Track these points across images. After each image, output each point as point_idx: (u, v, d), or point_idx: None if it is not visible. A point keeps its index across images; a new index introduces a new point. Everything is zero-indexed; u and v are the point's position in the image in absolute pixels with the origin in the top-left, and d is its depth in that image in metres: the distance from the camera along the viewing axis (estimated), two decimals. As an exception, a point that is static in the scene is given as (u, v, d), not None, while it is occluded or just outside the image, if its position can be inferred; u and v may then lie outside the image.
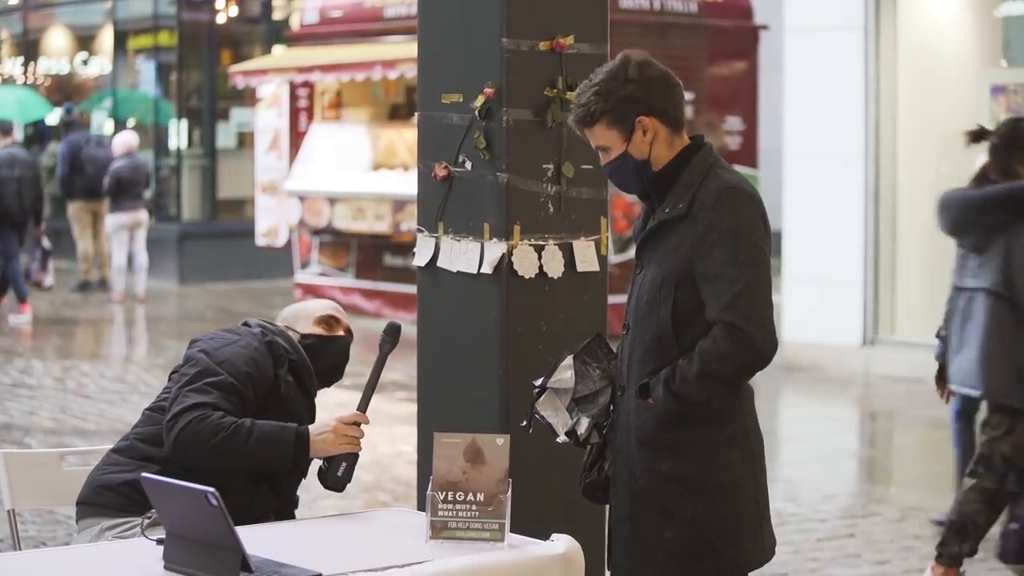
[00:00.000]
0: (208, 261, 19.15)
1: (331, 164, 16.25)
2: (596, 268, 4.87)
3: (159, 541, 3.75)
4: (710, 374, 3.83)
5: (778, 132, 14.01)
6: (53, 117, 22.12)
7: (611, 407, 4.08)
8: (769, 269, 3.91)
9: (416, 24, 4.99)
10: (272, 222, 17.47)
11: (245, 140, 20.21)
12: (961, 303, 6.79)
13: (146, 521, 4.21)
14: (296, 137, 17.03)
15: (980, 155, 8.32)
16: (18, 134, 21.43)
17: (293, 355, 4.62)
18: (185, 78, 20.81)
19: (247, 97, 19.30)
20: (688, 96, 14.43)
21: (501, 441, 3.95)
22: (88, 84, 23.11)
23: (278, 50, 19.33)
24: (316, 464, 4.53)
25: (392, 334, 4.56)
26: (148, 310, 16.63)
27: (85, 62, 23.10)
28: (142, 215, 17.04)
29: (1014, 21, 13.46)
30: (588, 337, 4.17)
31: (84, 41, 23.10)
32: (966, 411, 7.95)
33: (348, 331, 4.81)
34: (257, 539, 3.76)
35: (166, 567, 3.65)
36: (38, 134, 23.15)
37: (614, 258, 13.71)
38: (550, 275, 4.76)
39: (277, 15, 21.08)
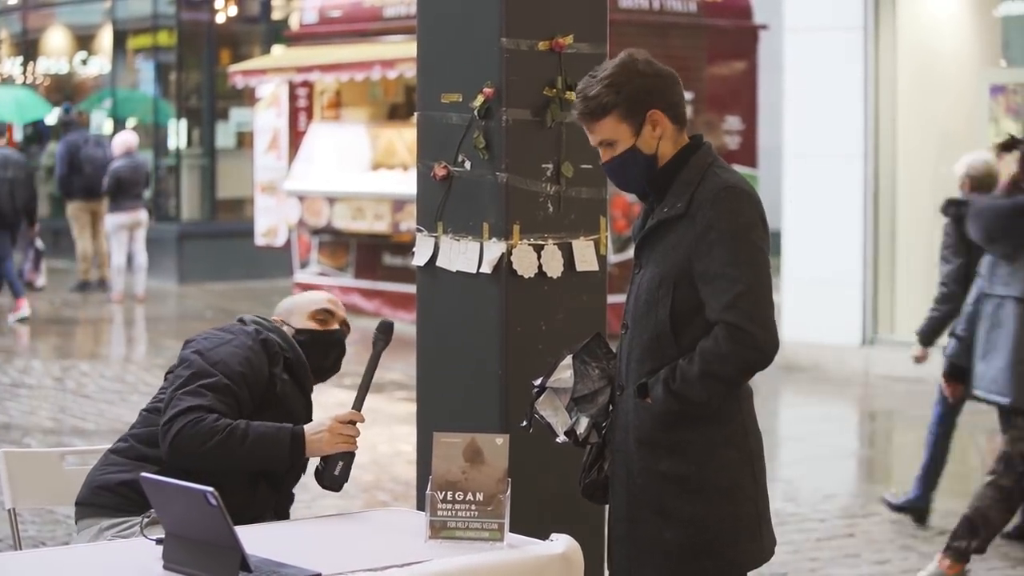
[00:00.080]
0: (207, 261, 19.14)
1: (330, 164, 16.25)
2: (595, 268, 4.86)
3: (158, 541, 3.74)
4: (712, 374, 3.83)
5: (777, 132, 14.01)
6: (52, 117, 22.12)
7: (610, 407, 4.08)
8: (769, 268, 3.91)
9: (415, 24, 4.99)
10: (271, 222, 17.47)
11: (244, 140, 20.20)
12: (989, 309, 6.83)
13: (145, 520, 4.21)
14: (295, 137, 17.02)
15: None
16: (17, 134, 21.47)
17: (288, 352, 4.61)
18: (184, 78, 20.80)
19: (246, 97, 19.30)
20: (688, 96, 14.35)
21: (500, 441, 3.95)
22: (87, 84, 23.11)
23: (277, 50, 19.32)
24: (313, 463, 4.53)
25: (385, 332, 4.55)
26: (147, 310, 16.62)
27: (84, 62, 23.09)
28: (141, 215, 17.04)
29: (1013, 21, 13.46)
30: (587, 337, 4.17)
31: (83, 41, 23.10)
32: (950, 414, 7.99)
33: (344, 323, 4.78)
34: (256, 539, 3.76)
35: (165, 567, 3.65)
36: (37, 134, 23.15)
37: (613, 258, 13.71)
38: (549, 275, 4.76)
39: (276, 15, 21.07)
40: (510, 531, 3.92)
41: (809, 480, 9.06)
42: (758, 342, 3.81)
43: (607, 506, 4.17)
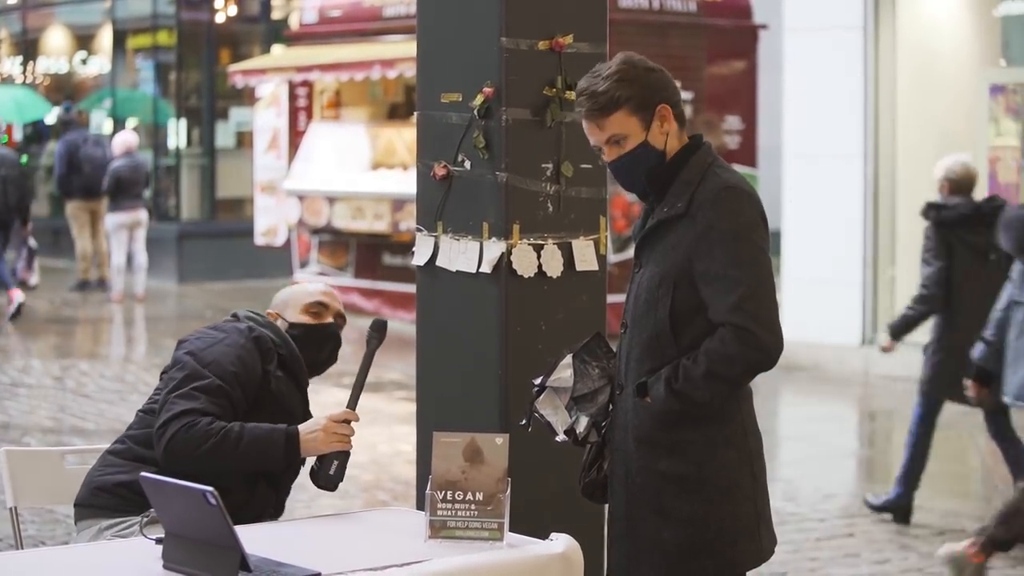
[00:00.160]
0: (207, 260, 19.14)
1: (330, 163, 16.25)
2: (595, 267, 4.86)
3: (158, 540, 3.74)
4: (716, 375, 3.83)
5: (777, 131, 14.01)
6: (52, 116, 22.11)
7: (610, 406, 4.08)
8: (771, 269, 3.91)
9: (415, 23, 4.99)
10: (271, 221, 17.47)
11: (244, 139, 20.20)
12: (1020, 316, 6.86)
13: (144, 520, 4.21)
14: (295, 136, 17.02)
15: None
16: (17, 134, 21.46)
17: (282, 348, 4.59)
18: (184, 77, 20.80)
19: (246, 96, 19.30)
20: (687, 95, 14.46)
21: (500, 440, 3.95)
22: (87, 83, 23.11)
23: (277, 49, 19.32)
24: (310, 462, 4.52)
25: (379, 330, 4.54)
26: (147, 309, 16.62)
27: (84, 61, 23.09)
28: (141, 214, 17.04)
29: (1013, 21, 13.46)
30: (587, 336, 4.17)
31: (83, 40, 23.10)
32: (929, 415, 8.02)
33: (339, 315, 4.76)
34: (256, 538, 3.76)
35: (165, 566, 3.64)
36: (37, 133, 23.15)
37: (613, 257, 13.71)
38: (549, 274, 4.76)
39: (276, 14, 21.07)
40: (510, 530, 3.92)
41: (809, 480, 9.06)
42: (764, 344, 3.81)
43: (606, 505, 4.17)
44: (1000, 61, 13.42)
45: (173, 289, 18.59)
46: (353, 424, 4.43)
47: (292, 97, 17.07)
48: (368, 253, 16.07)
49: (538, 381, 4.13)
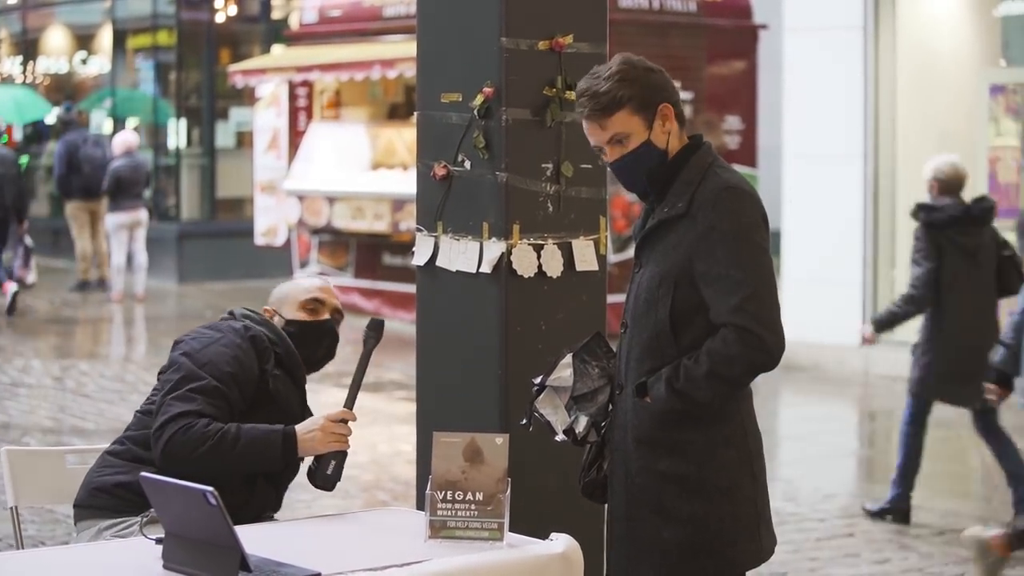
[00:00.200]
0: (207, 260, 19.14)
1: (330, 163, 16.25)
2: (595, 267, 4.86)
3: (158, 540, 3.74)
4: (718, 375, 3.83)
5: (777, 131, 14.01)
6: (52, 116, 22.11)
7: (610, 406, 4.08)
8: (772, 269, 3.91)
9: (415, 23, 4.99)
10: (271, 221, 17.47)
11: (244, 139, 20.20)
12: None
13: (144, 520, 4.21)
14: (295, 136, 17.02)
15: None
16: (17, 134, 21.46)
17: (278, 347, 4.57)
18: (184, 77, 20.80)
19: (246, 96, 19.30)
20: (687, 95, 14.47)
21: (500, 440, 3.95)
22: (87, 83, 23.11)
23: (277, 49, 19.32)
24: (307, 461, 4.51)
25: (376, 329, 4.53)
26: (147, 309, 16.62)
27: (84, 61, 23.10)
28: (142, 214, 17.04)
29: (1013, 21, 13.46)
30: (587, 336, 4.17)
31: (83, 40, 23.10)
32: (919, 415, 8.03)
33: (336, 311, 4.73)
34: (256, 538, 3.76)
35: (165, 566, 3.64)
36: (37, 133, 23.15)
37: (613, 257, 13.71)
38: (549, 274, 4.76)
39: (276, 14, 21.07)
40: (510, 530, 3.92)
41: (809, 480, 9.06)
42: (766, 344, 3.81)
43: (606, 505, 4.17)
44: (1000, 61, 13.42)
45: (173, 289, 18.60)
46: (351, 424, 4.43)
47: (292, 97, 17.07)
48: (368, 253, 16.07)
49: (538, 380, 4.13)
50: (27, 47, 23.89)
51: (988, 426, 7.95)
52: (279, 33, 19.99)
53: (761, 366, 3.84)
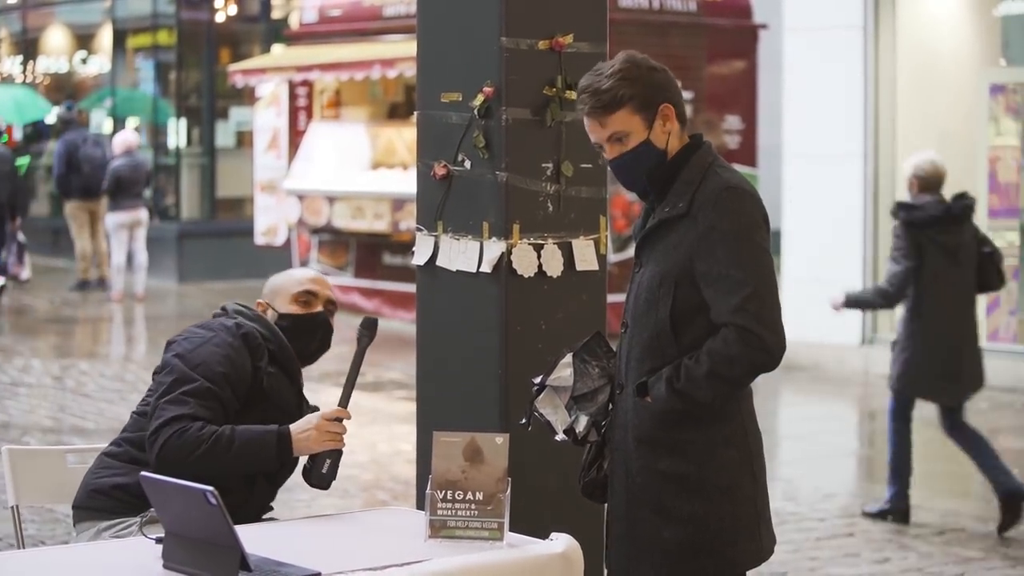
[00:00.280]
0: (207, 260, 19.14)
1: (330, 163, 16.25)
2: (595, 267, 4.86)
3: (158, 540, 3.74)
4: (719, 375, 3.83)
5: (777, 131, 14.01)
6: (52, 116, 22.11)
7: (610, 405, 4.07)
8: (773, 269, 3.91)
9: (415, 23, 4.99)
10: (271, 221, 17.47)
11: (244, 139, 20.20)
12: None
13: (143, 520, 4.20)
14: (295, 136, 17.02)
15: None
16: (17, 134, 21.46)
17: (271, 343, 4.55)
18: (184, 77, 20.80)
19: (246, 96, 19.30)
20: (687, 95, 14.46)
21: (500, 440, 3.95)
22: (87, 83, 23.11)
23: (277, 49, 19.32)
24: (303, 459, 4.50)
25: (369, 328, 4.51)
26: (147, 309, 16.62)
27: (84, 61, 23.10)
28: (142, 214, 17.04)
29: (1013, 20, 13.47)
30: (587, 335, 4.17)
31: (83, 40, 23.10)
32: (902, 411, 8.05)
33: (329, 302, 4.70)
34: (256, 538, 3.76)
35: (165, 566, 3.64)
36: (36, 133, 23.15)
37: (613, 257, 13.71)
38: (549, 274, 4.76)
39: (276, 14, 21.07)
40: (510, 530, 3.92)
41: (809, 479, 9.06)
42: (767, 344, 3.81)
43: (606, 505, 4.17)
44: (1000, 61, 13.42)
45: (173, 288, 18.60)
46: (346, 422, 4.42)
47: (292, 97, 17.07)
48: (368, 253, 16.07)
49: (538, 380, 4.13)
50: (27, 47, 23.89)
51: (953, 423, 8.02)
52: (279, 33, 19.99)
53: (762, 366, 3.84)
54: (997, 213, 12.34)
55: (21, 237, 16.77)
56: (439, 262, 4.85)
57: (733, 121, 15.41)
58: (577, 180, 4.81)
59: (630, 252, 5.36)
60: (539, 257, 4.74)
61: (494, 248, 4.70)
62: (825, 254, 13.21)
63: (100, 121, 21.83)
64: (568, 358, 4.10)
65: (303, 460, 4.47)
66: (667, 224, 3.93)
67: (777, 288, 3.92)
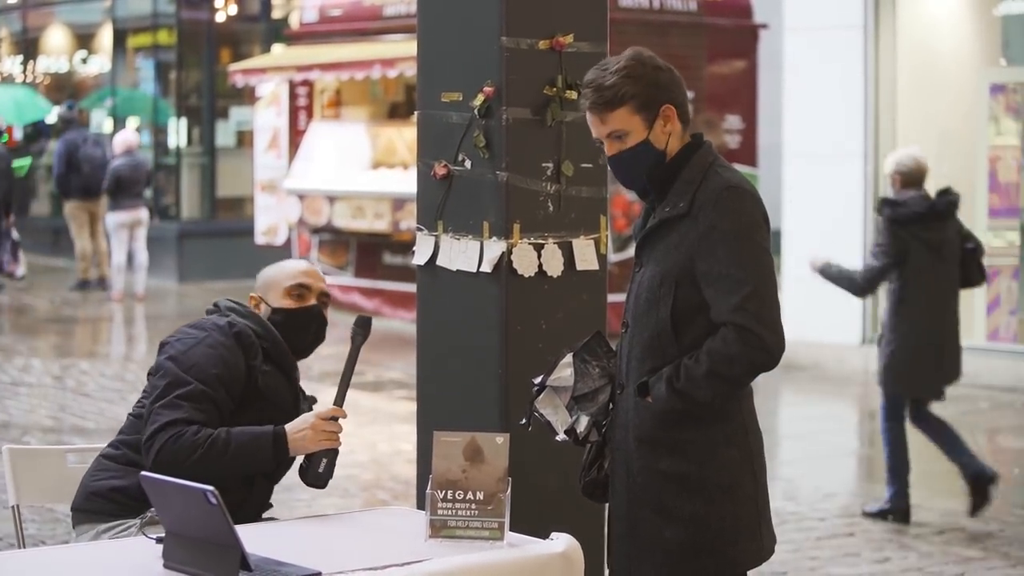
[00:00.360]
0: (207, 260, 19.14)
1: (330, 163, 16.25)
2: (595, 267, 4.86)
3: (158, 540, 3.74)
4: (718, 374, 3.83)
5: (777, 131, 14.01)
6: (53, 116, 22.11)
7: (610, 405, 4.07)
8: (773, 268, 3.91)
9: (415, 23, 4.99)
10: (271, 220, 17.47)
11: (244, 139, 20.20)
12: None
13: (143, 520, 4.20)
14: (295, 136, 17.03)
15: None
16: (17, 133, 21.46)
17: (265, 341, 4.52)
18: (184, 77, 20.80)
19: (246, 96, 19.30)
20: (687, 95, 14.47)
21: (500, 440, 3.95)
22: (87, 83, 23.11)
23: (277, 49, 19.32)
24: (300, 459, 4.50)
25: (363, 326, 4.49)
26: (147, 309, 16.62)
27: (84, 61, 23.09)
28: (142, 213, 17.04)
29: (1013, 20, 13.47)
30: (588, 335, 4.17)
31: (83, 40, 23.10)
32: (894, 411, 8.07)
33: (322, 294, 4.67)
34: (256, 538, 3.76)
35: (166, 566, 3.64)
36: (37, 133, 23.15)
37: (613, 256, 13.71)
38: (550, 274, 4.76)
39: (276, 14, 21.07)
40: (510, 530, 3.92)
41: (809, 479, 9.06)
42: (767, 344, 3.81)
43: (607, 505, 4.17)
44: (1000, 61, 13.42)
45: (173, 288, 18.60)
46: (344, 421, 4.41)
47: (292, 96, 17.07)
48: (368, 252, 16.07)
49: (538, 380, 4.13)
50: (27, 46, 23.89)
51: (918, 414, 8.07)
52: (279, 32, 19.99)
53: (761, 366, 3.84)
54: (997, 213, 12.35)
55: (15, 235, 16.76)
56: (439, 262, 4.85)
57: (733, 121, 15.41)
58: (577, 180, 4.81)
59: (630, 252, 5.37)
60: (539, 257, 4.74)
61: (494, 248, 4.70)
62: (825, 254, 13.18)
63: (100, 121, 21.83)
64: (568, 358, 4.10)
65: (300, 459, 4.47)
66: (668, 224, 3.93)
67: (777, 288, 3.92)
